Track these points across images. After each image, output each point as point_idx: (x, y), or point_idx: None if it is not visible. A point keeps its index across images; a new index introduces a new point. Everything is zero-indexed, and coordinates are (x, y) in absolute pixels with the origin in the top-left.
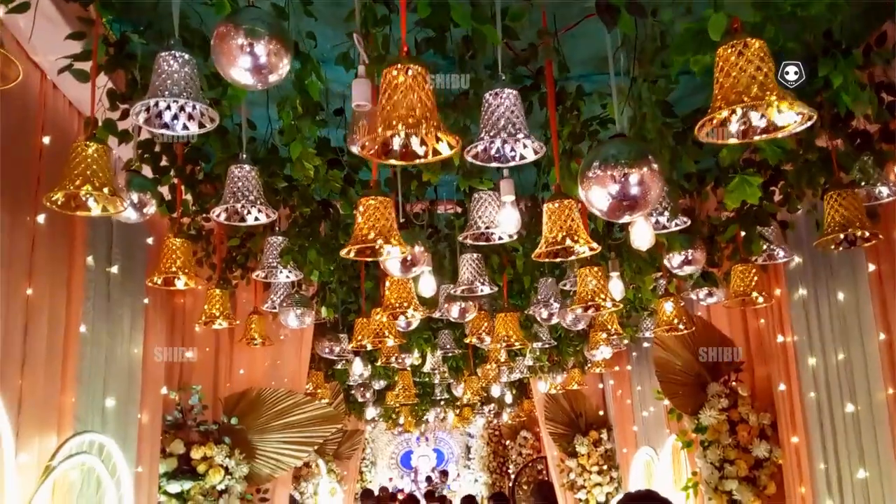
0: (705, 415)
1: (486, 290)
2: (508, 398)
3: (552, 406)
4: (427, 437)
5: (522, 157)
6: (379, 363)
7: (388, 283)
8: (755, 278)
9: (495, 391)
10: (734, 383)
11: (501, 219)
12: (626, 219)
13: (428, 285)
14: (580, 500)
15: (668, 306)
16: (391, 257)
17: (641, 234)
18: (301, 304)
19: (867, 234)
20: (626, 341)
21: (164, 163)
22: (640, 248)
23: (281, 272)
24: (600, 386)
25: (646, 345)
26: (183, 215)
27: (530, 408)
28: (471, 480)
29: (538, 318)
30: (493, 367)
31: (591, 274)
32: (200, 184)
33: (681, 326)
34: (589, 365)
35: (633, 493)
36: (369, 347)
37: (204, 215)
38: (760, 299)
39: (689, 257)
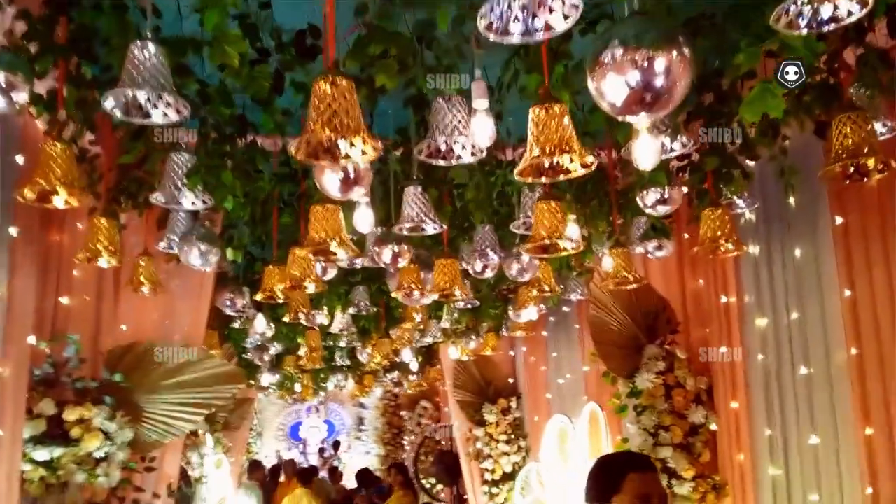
0: (641, 378)
1: (433, 228)
2: (414, 365)
3: (461, 373)
4: (318, 407)
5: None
6: (287, 318)
7: (313, 213)
8: (728, 224)
9: (406, 356)
10: (670, 346)
11: (475, 128)
12: (642, 118)
13: (365, 218)
14: (486, 469)
15: (614, 258)
16: (349, 161)
17: (646, 150)
18: (206, 240)
19: (880, 164)
20: (552, 304)
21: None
22: (643, 167)
23: (186, 197)
24: (511, 353)
25: (565, 309)
26: (66, 118)
27: (435, 376)
28: (362, 452)
29: (471, 271)
30: (409, 328)
31: (550, 209)
32: (87, 86)
33: (630, 278)
34: (506, 329)
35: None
36: (281, 298)
37: (89, 136)
38: (731, 246)
39: (666, 196)
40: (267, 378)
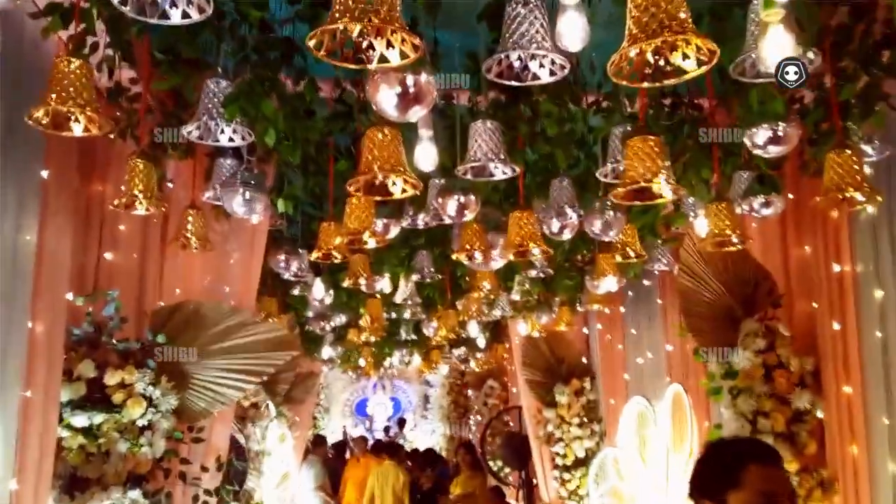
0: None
1: (504, 171)
2: (481, 341)
3: (531, 351)
4: (384, 384)
5: None
6: (346, 283)
7: (367, 139)
8: (859, 170)
9: (472, 330)
10: (771, 321)
11: (563, 28)
12: None
13: (427, 155)
14: (557, 454)
15: (715, 215)
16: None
17: (777, 44)
18: (252, 186)
19: None
20: (633, 274)
21: None
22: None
23: (223, 131)
24: (585, 330)
25: (646, 282)
26: (86, 35)
27: (503, 353)
28: (428, 431)
29: (546, 232)
30: (476, 298)
31: (645, 147)
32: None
33: (734, 239)
34: (581, 304)
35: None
36: (339, 257)
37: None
38: (861, 197)
39: (780, 133)
40: (328, 351)
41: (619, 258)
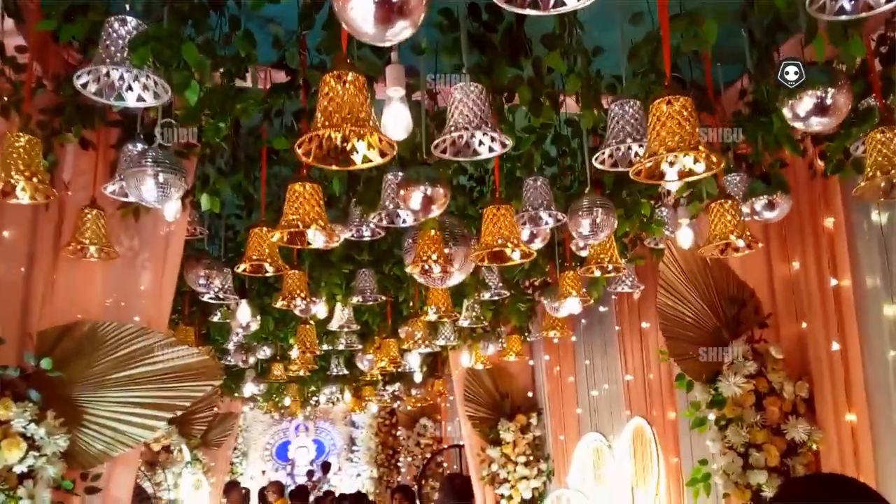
0: (725, 383)
1: (492, 147)
2: (418, 376)
3: (473, 385)
4: (307, 425)
5: None
6: (279, 304)
7: (324, 94)
8: None
9: (413, 362)
10: (758, 343)
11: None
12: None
13: (398, 119)
14: (502, 495)
15: (719, 214)
16: None
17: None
18: (166, 167)
19: None
20: (596, 295)
21: None
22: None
23: (129, 87)
24: (531, 362)
25: (602, 308)
26: None
27: (439, 389)
28: (353, 475)
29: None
30: (424, 323)
31: (675, 111)
32: None
33: (739, 243)
34: (532, 331)
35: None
36: (270, 270)
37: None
38: None
39: (828, 101)
40: (250, 388)
41: (596, 272)
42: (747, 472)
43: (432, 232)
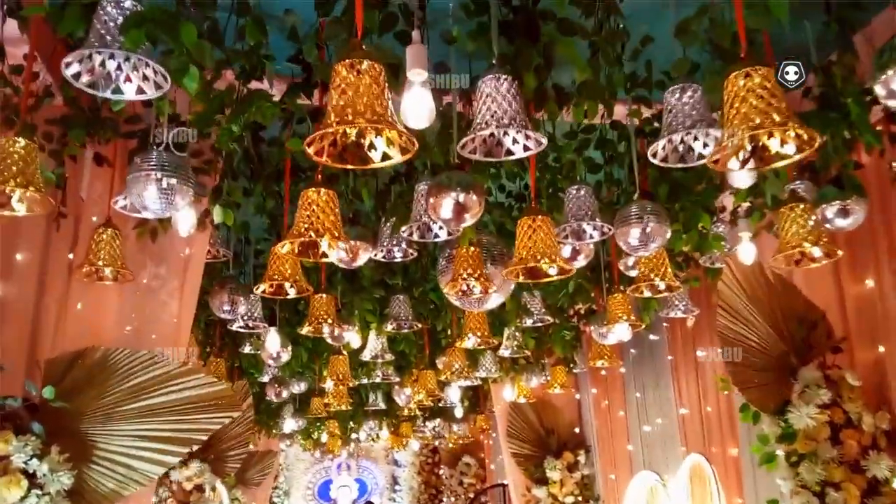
0: (797, 414)
1: (527, 144)
2: (459, 411)
3: (517, 420)
4: (349, 464)
5: None
6: (305, 330)
7: (336, 85)
8: None
9: (453, 395)
10: (831, 369)
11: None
12: None
13: (420, 105)
14: None
15: (792, 220)
16: None
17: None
18: (172, 172)
19: None
20: (648, 319)
21: None
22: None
23: (127, 78)
24: (576, 396)
25: (653, 337)
26: None
27: (482, 425)
28: None
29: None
30: (460, 353)
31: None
32: None
33: (815, 252)
34: (577, 362)
35: None
36: (292, 291)
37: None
38: None
39: None
40: (289, 424)
41: (646, 292)
42: None
43: (471, 249)
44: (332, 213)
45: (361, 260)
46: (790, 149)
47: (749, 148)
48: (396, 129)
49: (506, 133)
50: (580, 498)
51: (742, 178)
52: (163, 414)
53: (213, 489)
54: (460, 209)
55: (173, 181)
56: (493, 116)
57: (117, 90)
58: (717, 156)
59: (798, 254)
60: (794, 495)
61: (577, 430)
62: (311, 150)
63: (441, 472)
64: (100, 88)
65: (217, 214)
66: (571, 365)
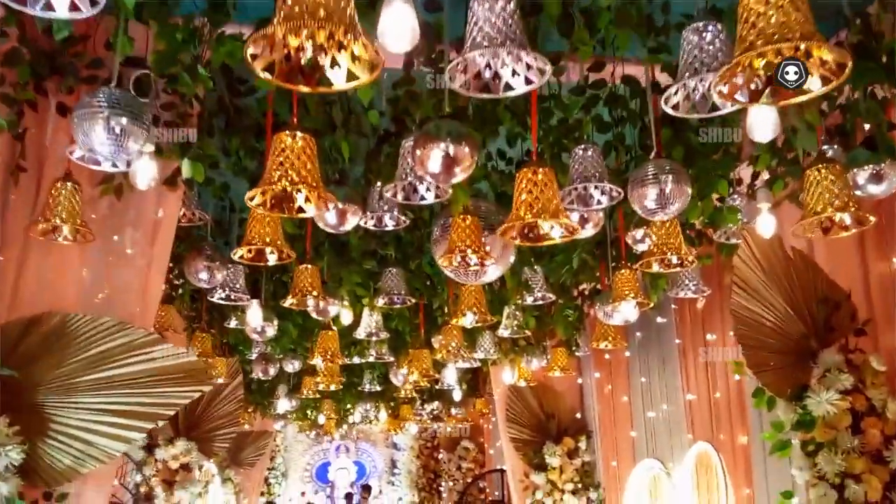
0: (816, 399)
1: (529, 77)
2: (457, 394)
3: (516, 404)
4: (347, 447)
5: None
6: (289, 302)
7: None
8: None
9: (449, 377)
10: (855, 354)
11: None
12: None
13: (401, 23)
14: None
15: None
16: None
17: None
18: (119, 109)
19: None
20: (657, 297)
21: None
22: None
23: None
24: (578, 380)
25: (660, 319)
26: None
27: (481, 409)
28: (394, 499)
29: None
30: (456, 330)
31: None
32: None
33: (846, 219)
34: (580, 344)
35: None
36: (272, 255)
37: None
38: None
39: None
40: (283, 404)
41: (656, 266)
42: None
43: (468, 218)
44: (310, 161)
45: (349, 224)
46: (815, 83)
47: (763, 77)
48: (363, 40)
49: (504, 64)
50: (580, 485)
51: (763, 128)
52: (126, 386)
53: (201, 468)
54: (450, 162)
55: (123, 121)
56: (484, 37)
57: (48, 6)
58: (725, 84)
59: (826, 221)
60: (811, 487)
61: (578, 415)
62: (257, 67)
63: (440, 456)
64: (27, 4)
65: (186, 168)
66: (574, 348)
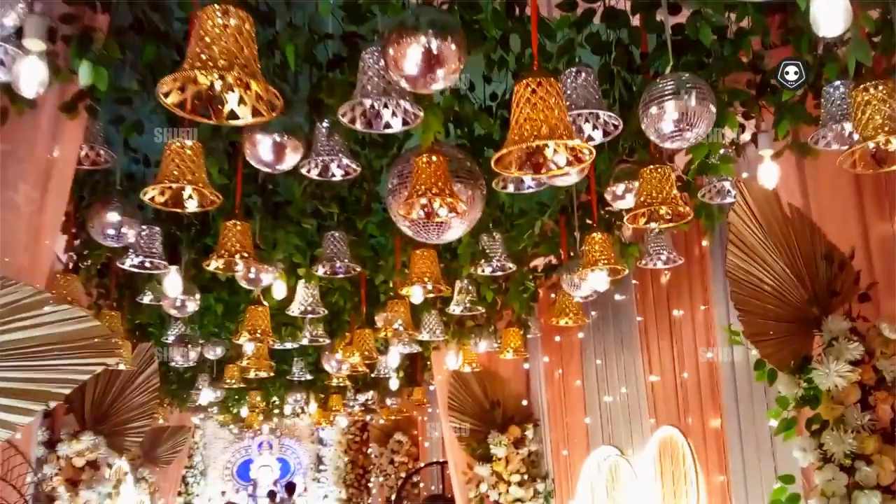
0: (823, 371)
1: None
2: (394, 382)
3: (459, 391)
4: (271, 443)
5: None
6: (214, 265)
7: None
8: None
9: (392, 359)
10: (860, 321)
11: None
12: None
13: None
14: None
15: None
16: None
17: None
18: None
19: None
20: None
21: None
22: None
23: None
24: (525, 366)
25: (618, 297)
26: None
27: (419, 399)
28: (320, 496)
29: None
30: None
31: None
32: None
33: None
34: (530, 328)
35: None
36: (192, 200)
37: None
38: None
39: None
40: (205, 395)
41: (641, 223)
42: (855, 495)
43: (433, 158)
44: (247, 47)
45: (288, 162)
46: None
47: None
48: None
49: None
50: (527, 476)
51: (832, 18)
52: (9, 358)
53: (111, 466)
54: (432, 61)
55: None
56: None
57: None
58: None
59: (881, 150)
60: (816, 471)
61: (524, 402)
62: None
63: (370, 450)
64: None
65: (83, 73)
66: (524, 330)
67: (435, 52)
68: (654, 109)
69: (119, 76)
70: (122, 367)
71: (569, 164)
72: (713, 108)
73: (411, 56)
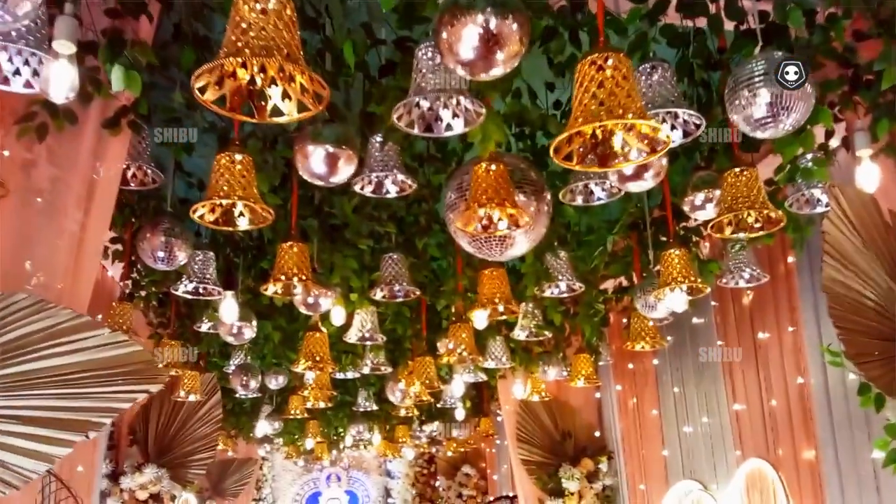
0: None
1: None
2: (460, 412)
3: (528, 422)
4: (339, 475)
5: None
6: (271, 290)
7: None
8: None
9: (456, 388)
10: None
11: None
12: None
13: None
14: None
15: None
16: None
17: None
18: None
19: None
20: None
21: None
22: None
23: None
24: (597, 395)
25: (696, 320)
26: None
27: (487, 430)
28: None
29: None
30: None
31: None
32: None
33: None
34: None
35: None
36: (243, 222)
37: None
38: None
39: None
40: (263, 427)
41: (727, 232)
42: None
43: (492, 166)
44: (288, 31)
45: (342, 175)
46: None
47: None
48: None
49: None
50: None
51: None
52: (47, 385)
53: (174, 499)
54: (491, 42)
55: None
56: None
57: None
58: None
59: None
60: None
61: (597, 433)
62: None
63: (437, 483)
64: None
65: (115, 78)
66: (594, 356)
67: (494, 31)
68: (742, 94)
69: (168, 96)
70: (192, 398)
71: (645, 148)
72: (812, 93)
73: (467, 38)
